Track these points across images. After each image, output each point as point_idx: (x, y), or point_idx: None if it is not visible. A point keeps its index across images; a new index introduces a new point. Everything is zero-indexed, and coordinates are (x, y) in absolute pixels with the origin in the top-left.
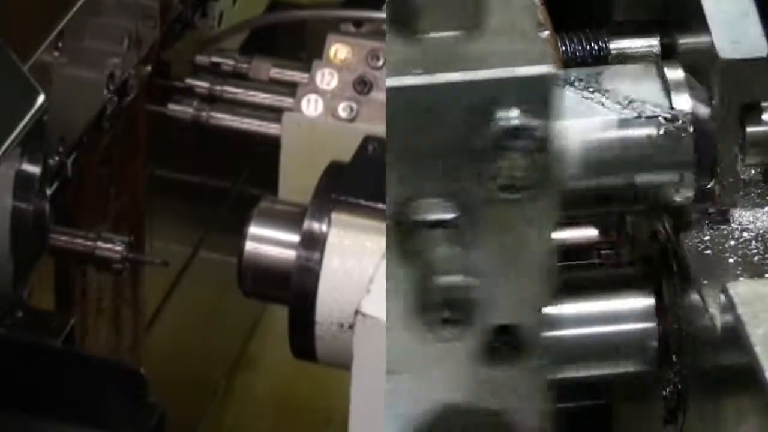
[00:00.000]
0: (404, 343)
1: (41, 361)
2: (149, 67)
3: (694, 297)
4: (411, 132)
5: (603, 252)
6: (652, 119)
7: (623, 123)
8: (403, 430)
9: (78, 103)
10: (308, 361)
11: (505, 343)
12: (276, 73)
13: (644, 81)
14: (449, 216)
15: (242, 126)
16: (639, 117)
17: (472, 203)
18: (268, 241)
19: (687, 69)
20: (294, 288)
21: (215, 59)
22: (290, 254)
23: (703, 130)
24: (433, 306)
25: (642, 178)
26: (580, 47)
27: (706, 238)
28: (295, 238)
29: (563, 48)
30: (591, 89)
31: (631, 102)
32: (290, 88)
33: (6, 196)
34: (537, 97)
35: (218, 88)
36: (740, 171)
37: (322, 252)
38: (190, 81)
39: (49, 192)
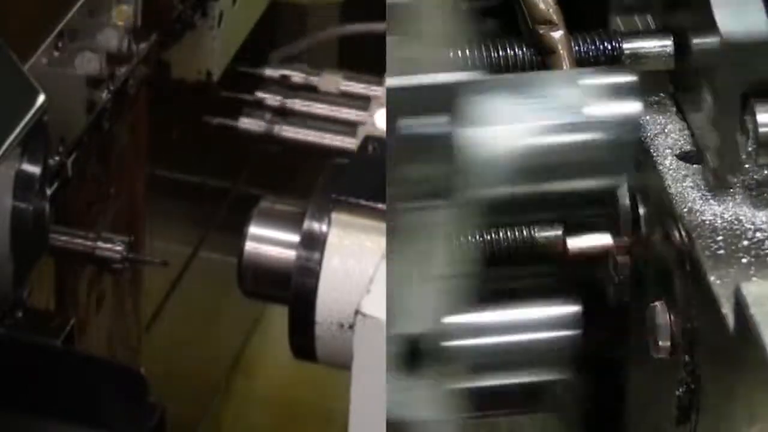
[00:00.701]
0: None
1: (41, 361)
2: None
3: (707, 297)
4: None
5: (619, 259)
6: (590, 124)
7: (557, 128)
8: None
9: (78, 103)
10: (308, 361)
11: (410, 353)
12: (346, 86)
13: (584, 86)
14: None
15: (317, 140)
16: (575, 123)
17: (393, 211)
18: (268, 241)
19: (696, 70)
20: (294, 288)
21: (285, 72)
22: (290, 254)
23: (633, 136)
24: None
25: (582, 184)
26: (593, 47)
27: (719, 238)
28: (295, 238)
29: (576, 48)
30: (527, 94)
31: (568, 107)
32: (361, 102)
33: (6, 196)
34: (448, 104)
35: (289, 101)
36: (752, 171)
37: (322, 252)
38: (259, 94)
39: (49, 192)
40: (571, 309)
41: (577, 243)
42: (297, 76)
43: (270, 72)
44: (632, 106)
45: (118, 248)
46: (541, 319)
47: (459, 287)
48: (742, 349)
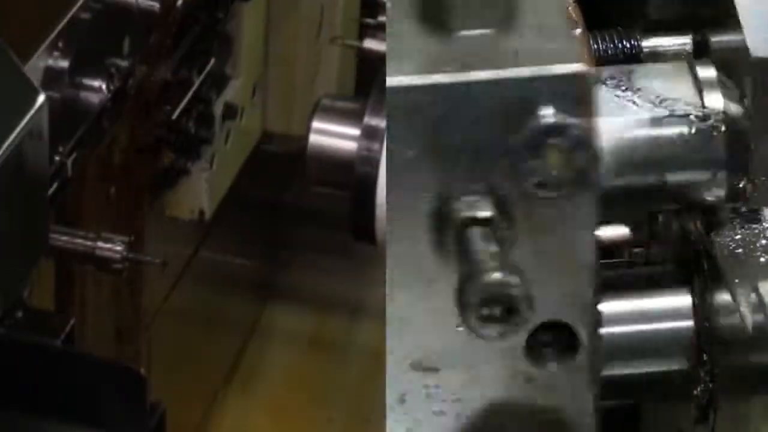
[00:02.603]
0: (446, 340)
1: (41, 361)
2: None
3: (725, 296)
4: (445, 130)
5: (635, 251)
6: (683, 117)
7: (655, 121)
8: (447, 428)
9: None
10: (367, 243)
11: (550, 341)
12: None
13: (676, 79)
14: (488, 214)
15: None
16: (671, 115)
17: (511, 201)
18: (331, 134)
19: (719, 67)
20: (356, 176)
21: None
22: (352, 145)
23: (736, 128)
24: (474, 303)
25: (674, 177)
26: (612, 45)
27: (738, 237)
28: (356, 131)
29: (595, 46)
30: (623, 87)
31: (663, 100)
32: None
33: (6, 196)
34: (572, 95)
35: None
36: None
37: (381, 143)
38: (382, 18)
39: (49, 192)
40: (686, 299)
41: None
42: None
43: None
44: (716, 99)
45: (118, 248)
46: (661, 309)
47: (594, 277)
48: (761, 348)
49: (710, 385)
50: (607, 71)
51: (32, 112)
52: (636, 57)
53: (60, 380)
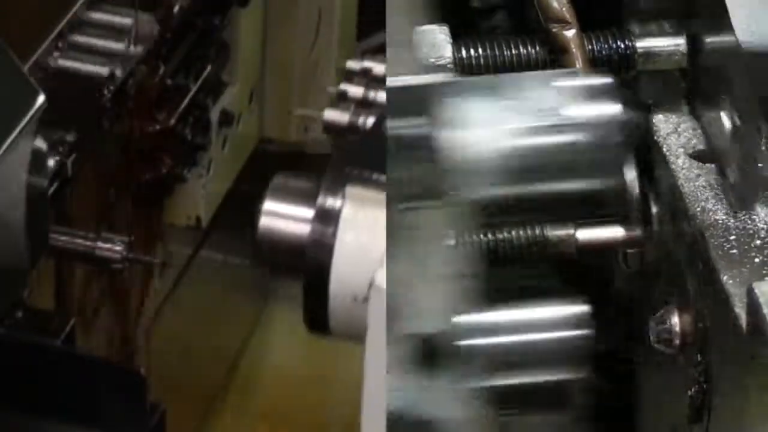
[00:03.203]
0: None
1: (41, 361)
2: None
3: (720, 296)
4: None
5: (629, 252)
6: (571, 126)
7: (540, 130)
8: None
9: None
10: (321, 334)
11: (424, 352)
12: None
13: (562, 88)
14: None
15: None
16: (557, 124)
17: (390, 212)
18: (283, 216)
19: (711, 67)
20: (308, 262)
21: (366, 64)
22: (305, 228)
23: (627, 136)
24: None
25: (565, 186)
26: (606, 46)
27: (732, 237)
28: (309, 212)
29: (589, 47)
30: (508, 96)
31: (549, 109)
32: None
33: (6, 196)
34: (429, 106)
35: (372, 92)
36: (762, 167)
37: (336, 226)
38: (343, 86)
39: (49, 192)
40: (582, 309)
41: (587, 235)
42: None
43: (351, 64)
44: (612, 108)
45: (118, 248)
46: (552, 318)
47: (464, 287)
48: (755, 348)
49: (704, 386)
50: (491, 79)
51: (32, 112)
52: (630, 57)
53: (60, 380)
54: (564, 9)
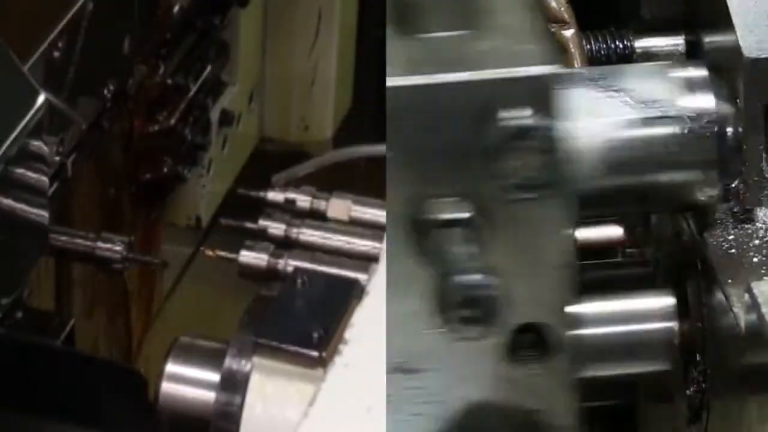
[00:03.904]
0: (424, 341)
1: (41, 361)
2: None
3: (719, 296)
4: (418, 132)
5: (628, 250)
6: (674, 118)
7: (646, 122)
8: (425, 429)
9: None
10: None
11: (530, 342)
12: (356, 211)
13: (665, 79)
14: (465, 215)
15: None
16: (662, 116)
17: (487, 202)
18: (187, 381)
19: (711, 68)
20: None
21: (290, 195)
22: (210, 396)
23: (726, 128)
24: (453, 305)
25: (664, 178)
26: (604, 45)
27: (731, 237)
28: (215, 377)
29: (588, 46)
30: (613, 88)
31: (654, 101)
32: (373, 230)
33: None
34: (542, 97)
35: (294, 230)
36: (765, 170)
37: (243, 394)
38: (263, 222)
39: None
40: (668, 300)
41: (586, 234)
42: (302, 200)
43: (273, 195)
44: (707, 100)
45: (118, 248)
46: (642, 310)
47: (570, 278)
48: (754, 348)
49: (703, 386)
50: (596, 71)
51: (32, 112)
52: (629, 57)
53: (60, 380)
54: (562, 9)
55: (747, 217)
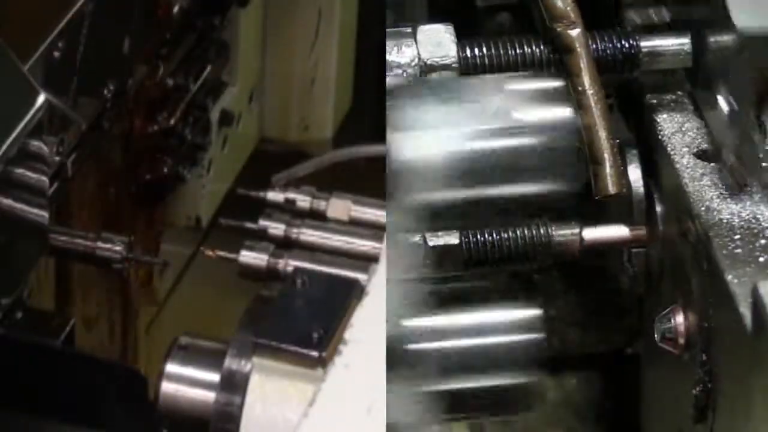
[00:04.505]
0: None
1: (41, 361)
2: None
3: (725, 296)
4: None
5: (633, 250)
6: (518, 129)
7: (485, 134)
8: None
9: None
10: None
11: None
12: (356, 211)
13: (505, 91)
14: None
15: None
16: (502, 128)
17: None
18: (187, 382)
19: (713, 62)
20: None
21: (290, 195)
22: (210, 396)
23: (566, 140)
24: None
25: (511, 189)
26: (610, 45)
27: (737, 237)
28: (215, 377)
29: (594, 46)
30: (453, 100)
31: (497, 112)
32: (373, 230)
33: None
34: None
35: (294, 230)
36: (758, 141)
37: (243, 397)
38: (263, 222)
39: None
40: (534, 312)
41: (592, 234)
42: (302, 200)
43: (273, 195)
44: (562, 111)
45: (118, 248)
46: (504, 322)
47: (417, 290)
48: (759, 347)
49: (709, 385)
50: (435, 83)
51: (32, 112)
52: (634, 57)
53: (60, 380)
54: (569, 8)
55: (740, 188)
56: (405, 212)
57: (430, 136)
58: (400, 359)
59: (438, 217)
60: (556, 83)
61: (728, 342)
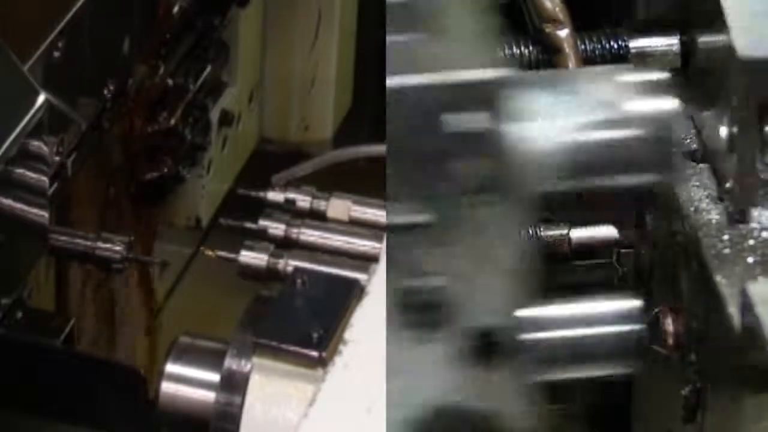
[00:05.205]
0: (395, 346)
1: (41, 361)
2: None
3: (714, 296)
4: (392, 134)
5: (622, 251)
6: (627, 121)
7: (599, 125)
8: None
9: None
10: None
11: (484, 346)
12: (356, 211)
13: (617, 83)
14: (422, 218)
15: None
16: (614, 119)
17: (444, 206)
18: (187, 381)
19: (706, 68)
20: None
21: (290, 195)
22: (210, 396)
23: (671, 132)
24: (410, 308)
25: (621, 180)
26: (599, 46)
27: (725, 237)
28: (215, 377)
29: (582, 47)
30: (563, 90)
31: (606, 103)
32: (373, 231)
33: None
34: (493, 100)
35: (294, 230)
36: (760, 170)
37: (243, 397)
38: (263, 222)
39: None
40: (635, 303)
41: (581, 234)
42: (302, 200)
43: (273, 195)
44: (667, 103)
45: (118, 248)
46: (608, 312)
47: (525, 281)
48: (748, 348)
49: (698, 386)
50: (548, 74)
51: (32, 112)
52: (623, 57)
53: (60, 380)
54: (557, 9)
55: (742, 217)
56: (516, 203)
57: (539, 127)
58: (507, 349)
59: (546, 208)
60: (663, 75)
61: (717, 343)
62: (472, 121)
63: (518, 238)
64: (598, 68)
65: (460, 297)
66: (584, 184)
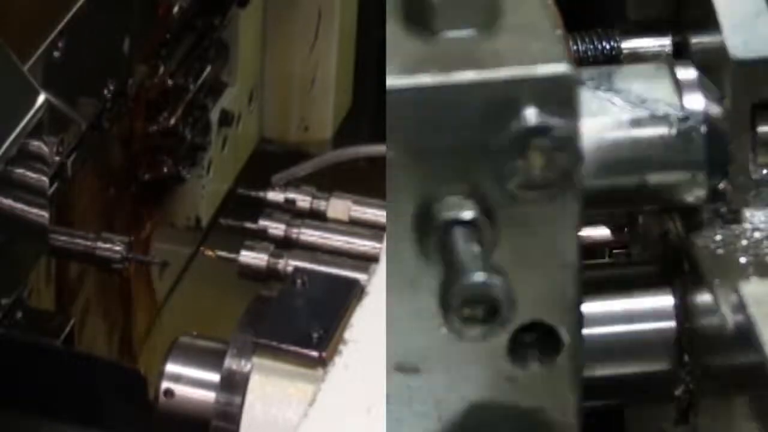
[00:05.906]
0: (426, 341)
1: (41, 361)
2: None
3: (706, 297)
4: (427, 131)
5: (614, 251)
6: (664, 118)
7: (636, 122)
8: (425, 429)
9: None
10: None
11: (532, 341)
12: (356, 211)
13: (656, 80)
14: (471, 215)
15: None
16: (651, 116)
17: (493, 202)
18: (187, 381)
19: (699, 68)
20: None
21: (290, 195)
22: (210, 396)
23: (715, 129)
24: (457, 304)
25: (654, 178)
26: (591, 46)
27: (718, 237)
28: (215, 377)
29: (575, 47)
30: (603, 88)
31: (643, 101)
32: (373, 230)
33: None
34: (556, 95)
35: (294, 230)
36: (752, 171)
37: (243, 394)
38: (263, 222)
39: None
40: (670, 300)
41: None
42: (302, 200)
43: (273, 195)
44: (697, 100)
45: (118, 248)
46: (646, 309)
47: (579, 277)
48: (741, 348)
49: (691, 386)
50: (587, 72)
51: (32, 112)
52: (615, 58)
53: (60, 380)
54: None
55: (734, 218)
56: (569, 200)
57: (589, 123)
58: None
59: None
60: (689, 72)
61: (710, 343)
62: (536, 117)
63: (572, 233)
64: (649, 65)
65: (510, 293)
66: (617, 182)
